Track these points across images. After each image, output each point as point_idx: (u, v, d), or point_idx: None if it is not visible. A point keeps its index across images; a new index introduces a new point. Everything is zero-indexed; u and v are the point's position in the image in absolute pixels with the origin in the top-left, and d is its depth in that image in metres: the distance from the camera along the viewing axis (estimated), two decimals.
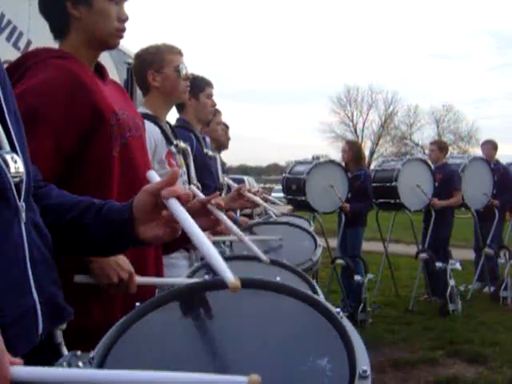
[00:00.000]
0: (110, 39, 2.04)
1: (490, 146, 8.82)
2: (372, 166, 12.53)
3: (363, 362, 0.99)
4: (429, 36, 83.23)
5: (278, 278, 1.27)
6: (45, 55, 1.92)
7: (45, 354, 1.25)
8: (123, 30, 2.06)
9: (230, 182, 4.00)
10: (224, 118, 5.36)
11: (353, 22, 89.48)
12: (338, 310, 1.14)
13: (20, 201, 1.20)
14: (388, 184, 7.45)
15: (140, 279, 1.84)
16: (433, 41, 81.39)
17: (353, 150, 7.55)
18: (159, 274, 2.18)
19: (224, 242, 2.58)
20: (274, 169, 60.14)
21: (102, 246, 1.45)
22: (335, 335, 1.09)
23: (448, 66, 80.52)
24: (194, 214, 1.78)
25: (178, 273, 2.43)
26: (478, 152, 22.39)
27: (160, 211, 1.30)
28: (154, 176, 1.36)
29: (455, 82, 78.59)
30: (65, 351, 1.18)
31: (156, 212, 1.31)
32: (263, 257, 1.88)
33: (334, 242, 7.68)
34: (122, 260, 1.82)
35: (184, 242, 1.96)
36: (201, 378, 0.87)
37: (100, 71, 2.11)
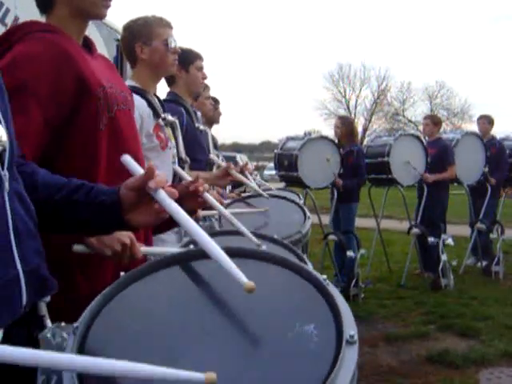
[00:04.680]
0: (95, 9, 1.99)
1: (485, 121, 8.76)
2: (365, 142, 12.51)
3: (350, 327, 0.99)
4: (421, 11, 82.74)
5: (264, 247, 1.26)
6: (31, 28, 1.88)
7: (29, 326, 1.24)
8: None
9: (217, 159, 3.96)
10: (217, 95, 5.32)
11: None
12: (324, 277, 1.13)
13: (3, 170, 1.20)
14: (380, 159, 7.42)
15: (142, 248, 1.80)
16: (425, 16, 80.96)
17: (345, 126, 7.49)
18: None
19: (213, 216, 2.56)
20: (266, 146, 60.09)
21: (91, 226, 1.47)
22: (321, 301, 1.08)
23: (441, 41, 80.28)
24: (180, 196, 1.79)
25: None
26: (470, 128, 22.40)
27: (146, 200, 1.34)
28: (129, 161, 1.40)
29: (448, 58, 78.36)
30: (49, 323, 1.17)
31: (142, 202, 1.35)
32: (253, 238, 1.86)
33: (326, 219, 7.68)
34: None
35: (174, 223, 1.95)
36: (162, 372, 0.86)
37: (88, 45, 2.07)
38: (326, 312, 1.05)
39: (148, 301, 1.15)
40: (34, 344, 1.02)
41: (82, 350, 1.00)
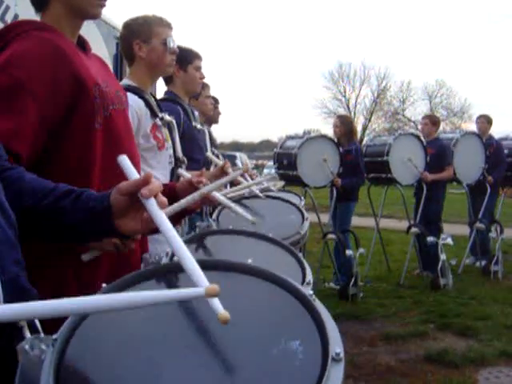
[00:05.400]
0: (90, 8, 1.98)
1: (484, 120, 8.77)
2: (364, 142, 12.51)
3: (336, 345, 0.96)
4: (421, 11, 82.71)
5: (250, 261, 1.24)
6: (27, 27, 1.87)
7: (7, 337, 1.16)
8: None
9: (215, 158, 3.96)
10: (216, 94, 5.31)
11: None
12: (311, 292, 1.10)
13: None
14: (380, 159, 7.42)
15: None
16: (425, 15, 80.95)
17: (344, 125, 7.49)
18: (144, 249, 2.16)
19: (211, 215, 2.54)
20: (266, 145, 60.13)
21: (80, 233, 1.41)
22: (307, 317, 1.06)
23: (440, 41, 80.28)
24: (183, 193, 1.78)
25: (162, 248, 2.38)
26: (470, 127, 22.41)
27: (136, 206, 1.28)
28: (125, 162, 1.34)
29: (448, 58, 78.28)
30: (27, 335, 1.13)
31: (132, 208, 1.30)
32: (249, 216, 1.88)
33: (325, 218, 7.67)
34: None
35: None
36: (161, 294, 0.87)
37: (82, 44, 2.06)
38: (311, 328, 1.03)
39: (130, 313, 1.11)
40: (12, 355, 1.00)
41: (60, 361, 0.96)
